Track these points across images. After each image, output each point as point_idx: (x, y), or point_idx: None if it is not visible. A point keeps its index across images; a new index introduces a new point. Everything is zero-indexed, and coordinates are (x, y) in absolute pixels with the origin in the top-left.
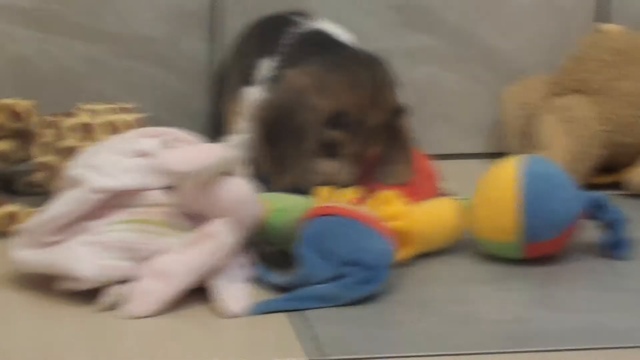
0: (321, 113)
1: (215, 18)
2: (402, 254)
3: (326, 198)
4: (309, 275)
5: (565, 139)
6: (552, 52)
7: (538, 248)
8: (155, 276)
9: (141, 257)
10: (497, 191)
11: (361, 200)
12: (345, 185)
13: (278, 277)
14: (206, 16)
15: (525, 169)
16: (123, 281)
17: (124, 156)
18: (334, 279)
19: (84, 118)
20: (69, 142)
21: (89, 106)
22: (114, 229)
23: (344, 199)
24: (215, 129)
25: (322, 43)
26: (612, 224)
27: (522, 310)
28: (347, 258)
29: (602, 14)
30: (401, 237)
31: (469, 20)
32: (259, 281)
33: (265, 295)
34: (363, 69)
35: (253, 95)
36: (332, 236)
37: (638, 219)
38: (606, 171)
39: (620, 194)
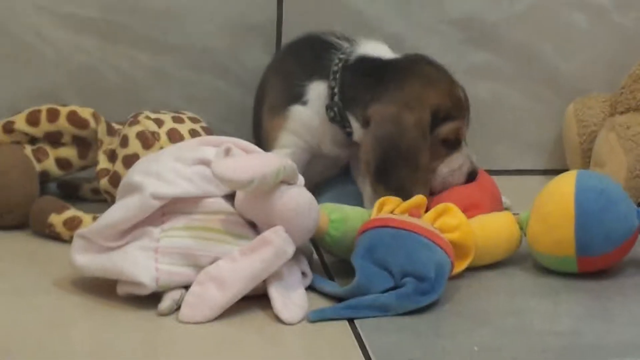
0: (423, 124)
1: (279, 30)
2: (459, 266)
3: (384, 210)
4: (365, 286)
5: (625, 156)
6: (613, 72)
7: (592, 262)
8: (212, 283)
9: (200, 263)
10: (552, 205)
11: (418, 212)
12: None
13: (335, 287)
14: (269, 29)
15: (580, 184)
16: (182, 287)
17: (184, 163)
18: (391, 289)
19: (149, 126)
20: (134, 149)
21: (153, 114)
22: (173, 235)
23: (402, 210)
24: (256, 140)
25: (376, 67)
26: None
27: (577, 323)
28: (404, 269)
29: None
30: (458, 249)
31: (531, 40)
32: (316, 290)
33: (323, 304)
34: (423, 65)
35: (304, 114)
36: (388, 247)
37: None
38: None
39: None
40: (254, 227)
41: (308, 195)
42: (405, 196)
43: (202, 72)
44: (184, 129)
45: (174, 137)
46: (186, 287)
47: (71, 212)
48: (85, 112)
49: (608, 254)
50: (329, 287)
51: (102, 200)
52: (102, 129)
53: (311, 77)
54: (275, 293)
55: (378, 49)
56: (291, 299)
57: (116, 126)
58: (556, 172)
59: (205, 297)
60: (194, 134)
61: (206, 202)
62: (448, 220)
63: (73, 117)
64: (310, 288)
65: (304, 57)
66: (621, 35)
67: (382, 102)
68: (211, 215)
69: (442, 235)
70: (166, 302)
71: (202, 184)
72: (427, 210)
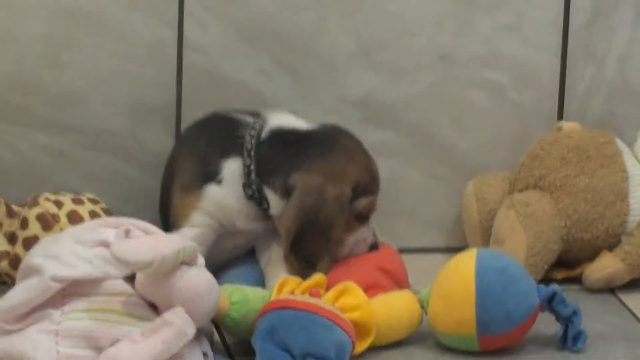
0: (343, 199)
1: (178, 111)
2: (360, 345)
3: (284, 290)
4: None
5: (524, 233)
6: (512, 150)
7: (493, 341)
8: None
9: (101, 345)
10: (453, 285)
11: (318, 292)
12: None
13: None
14: (169, 110)
15: (480, 263)
16: None
17: (84, 245)
18: None
19: (49, 208)
20: (34, 231)
21: (53, 196)
22: (73, 317)
23: (302, 291)
24: (163, 220)
25: (293, 139)
26: (568, 317)
27: None
28: (305, 350)
29: (564, 113)
30: (359, 328)
31: (430, 118)
32: None
33: None
34: (346, 139)
35: (218, 193)
36: (288, 329)
37: (594, 314)
38: (564, 266)
39: (578, 289)
40: (155, 309)
41: (208, 276)
42: (311, 265)
43: (102, 153)
44: (83, 210)
45: (74, 218)
46: None
47: None
48: None
49: (509, 332)
50: None
51: (2, 282)
52: (1, 211)
53: (224, 155)
54: None
55: (288, 120)
56: None
57: (16, 208)
58: (456, 249)
59: None
60: (93, 215)
61: (106, 283)
62: (349, 300)
63: None
64: None
65: (215, 136)
66: (519, 113)
67: (306, 171)
68: (112, 297)
69: (342, 315)
70: None
71: (102, 266)
72: (327, 289)
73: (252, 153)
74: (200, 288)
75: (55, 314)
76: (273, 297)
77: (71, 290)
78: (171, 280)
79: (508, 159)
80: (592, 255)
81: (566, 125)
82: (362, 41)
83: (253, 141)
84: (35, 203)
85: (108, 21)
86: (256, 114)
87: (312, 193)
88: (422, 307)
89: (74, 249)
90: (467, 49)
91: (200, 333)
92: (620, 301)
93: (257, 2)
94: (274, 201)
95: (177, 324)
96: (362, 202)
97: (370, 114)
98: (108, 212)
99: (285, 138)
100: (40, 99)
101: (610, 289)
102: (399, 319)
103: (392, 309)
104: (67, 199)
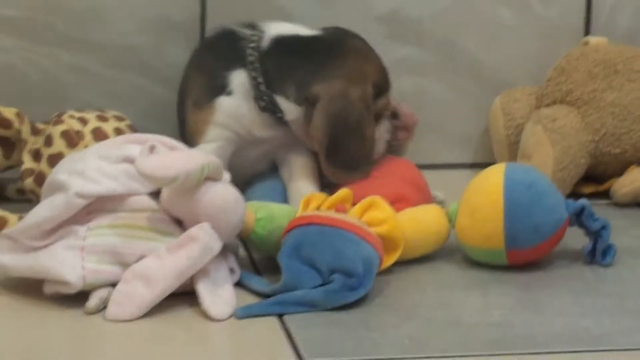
0: (367, 97)
1: (202, 28)
2: (388, 259)
3: (310, 207)
4: (293, 285)
5: (552, 148)
6: (538, 65)
7: (521, 255)
8: (139, 280)
9: (126, 261)
10: (481, 199)
11: (344, 207)
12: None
13: (263, 285)
14: (192, 26)
15: (508, 177)
16: (109, 285)
17: (109, 161)
18: (319, 286)
19: (73, 125)
20: (58, 148)
21: (78, 113)
22: (99, 233)
23: (328, 206)
24: (181, 138)
25: (297, 45)
26: (596, 231)
27: (507, 315)
28: (331, 266)
29: (591, 28)
30: (387, 242)
31: (455, 34)
32: (244, 286)
33: (251, 300)
34: (355, 40)
35: (231, 104)
36: (314, 245)
37: (623, 228)
38: (592, 181)
39: (606, 204)
40: (180, 224)
41: (234, 192)
42: (352, 171)
43: (126, 70)
44: (108, 127)
45: (99, 135)
46: (113, 285)
47: None
48: (9, 112)
49: (537, 246)
50: (256, 284)
51: (27, 200)
52: (26, 129)
53: (229, 67)
54: (202, 290)
55: (288, 28)
56: (219, 296)
57: (40, 126)
58: (483, 165)
59: (132, 295)
60: (118, 132)
61: (132, 199)
62: (375, 214)
63: None
64: (239, 284)
65: (219, 50)
66: (545, 29)
67: (326, 80)
68: (137, 213)
69: (369, 229)
70: (93, 301)
71: (127, 182)
72: (354, 204)
73: (257, 65)
74: (226, 203)
75: (81, 230)
76: (299, 214)
77: (96, 207)
78: (196, 195)
79: (535, 74)
80: (620, 170)
81: (593, 39)
82: None
83: (255, 53)
84: (59, 120)
85: None
86: (253, 25)
87: (337, 99)
88: (450, 221)
89: (99, 165)
90: None
91: (227, 249)
92: None
93: None
94: (289, 108)
95: (203, 239)
96: (380, 102)
97: (395, 29)
98: (133, 129)
99: (289, 45)
100: (63, 17)
101: (639, 203)
102: (427, 233)
103: (420, 223)
104: (91, 116)
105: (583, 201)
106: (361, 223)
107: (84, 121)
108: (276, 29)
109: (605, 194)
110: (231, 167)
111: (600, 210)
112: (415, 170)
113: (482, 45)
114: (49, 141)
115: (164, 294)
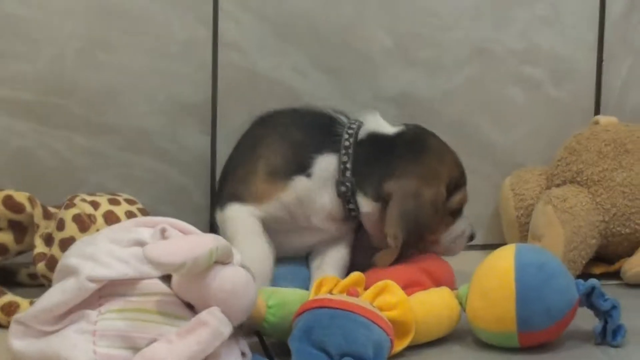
0: (439, 197)
1: (214, 110)
2: (400, 344)
3: (322, 290)
4: None
5: (562, 228)
6: (549, 145)
7: (533, 337)
8: None
9: (138, 345)
10: (492, 281)
11: (356, 291)
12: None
13: None
14: (205, 109)
15: (519, 258)
16: None
17: (120, 245)
18: None
19: (85, 208)
20: (70, 232)
21: (89, 197)
22: (110, 317)
23: (340, 290)
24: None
25: (385, 143)
26: (607, 311)
27: None
28: (342, 350)
29: (601, 108)
30: (398, 326)
31: (467, 114)
32: None
33: None
34: (432, 139)
35: (306, 186)
36: (325, 329)
37: (634, 309)
38: (602, 261)
39: (617, 284)
40: (192, 308)
41: (244, 275)
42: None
43: (139, 153)
44: (120, 210)
45: (110, 219)
46: None
47: (8, 297)
48: (21, 196)
49: (549, 328)
50: None
51: (39, 285)
52: (38, 213)
53: (318, 150)
54: None
55: (382, 123)
56: None
57: (52, 210)
58: (494, 246)
59: None
60: (130, 215)
61: (143, 283)
62: (387, 298)
63: (8, 202)
64: None
65: (310, 129)
66: (556, 108)
67: (400, 177)
68: (148, 297)
69: (381, 313)
70: None
71: (138, 266)
72: (366, 288)
73: (350, 151)
74: (236, 287)
75: (92, 314)
76: (311, 297)
77: (108, 291)
78: (206, 280)
79: (545, 155)
80: (631, 250)
81: (603, 119)
82: (398, 37)
83: (351, 140)
84: (71, 204)
85: (144, 19)
86: (347, 115)
87: (409, 198)
88: (461, 304)
89: (110, 249)
90: (504, 43)
91: (238, 332)
92: None
93: None
94: (364, 203)
95: (213, 324)
96: (455, 198)
97: (407, 110)
98: (145, 212)
99: (379, 141)
100: (77, 99)
101: None
102: (438, 316)
103: (431, 306)
104: (103, 200)
105: (593, 281)
106: (373, 307)
107: (95, 205)
108: (374, 122)
109: (616, 274)
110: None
111: (611, 291)
112: (439, 261)
113: (493, 125)
114: (60, 225)
115: None
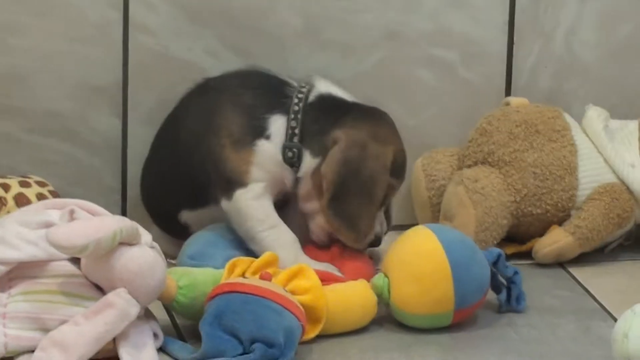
0: (386, 159)
1: (124, 92)
2: (311, 330)
3: (235, 272)
4: (211, 353)
5: (474, 209)
6: (461, 126)
7: (465, 313)
8: (55, 348)
9: (48, 327)
10: (424, 264)
11: (269, 275)
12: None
13: (187, 350)
14: (115, 91)
15: (442, 238)
16: (31, 351)
17: (29, 227)
18: (240, 355)
19: None
20: None
21: (0, 179)
22: (20, 299)
23: (254, 271)
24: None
25: (339, 106)
26: (510, 277)
27: None
28: (253, 335)
29: (512, 89)
30: (310, 311)
31: (378, 96)
32: (167, 352)
33: None
34: (388, 119)
35: (270, 148)
36: (236, 314)
37: (545, 288)
38: (514, 241)
39: (528, 264)
40: (101, 290)
41: (150, 255)
42: (352, 227)
43: (49, 136)
44: (31, 193)
45: (21, 201)
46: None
47: None
48: None
49: (478, 301)
50: (179, 350)
51: None
52: None
53: (270, 111)
54: (124, 354)
55: (336, 90)
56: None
57: None
58: (406, 227)
59: None
60: (41, 197)
61: (52, 265)
62: (301, 283)
63: None
64: (163, 350)
65: (259, 90)
66: (467, 90)
67: (351, 127)
68: (58, 279)
69: (293, 298)
70: None
71: (47, 248)
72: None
73: (299, 115)
74: (141, 268)
75: (2, 296)
76: (223, 280)
77: (17, 273)
78: (111, 261)
79: (457, 135)
80: (542, 230)
81: (514, 100)
82: (309, 19)
83: (301, 104)
84: None
85: (54, 3)
86: (301, 79)
87: (356, 146)
88: (381, 295)
89: (19, 231)
90: (414, 25)
91: (150, 314)
92: (571, 275)
93: None
94: (307, 162)
95: (120, 305)
96: (392, 182)
97: None
98: (56, 195)
99: (332, 104)
100: None
101: (560, 263)
102: (351, 304)
103: (344, 295)
104: (14, 182)
105: (497, 250)
106: (285, 292)
107: (6, 187)
108: (325, 87)
109: (527, 254)
110: None
111: (523, 270)
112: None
113: (404, 107)
114: None
115: None
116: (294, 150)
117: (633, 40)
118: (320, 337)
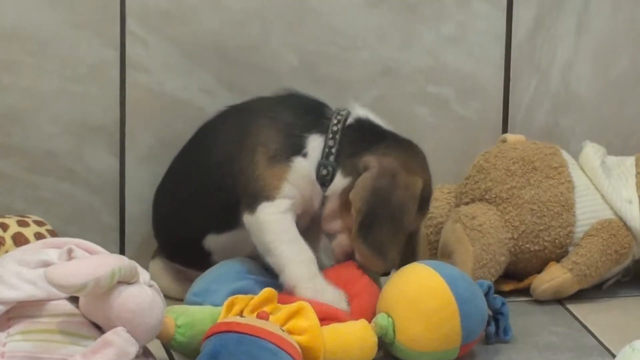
0: (415, 189)
1: (122, 131)
2: None
3: (233, 310)
4: None
5: (471, 246)
6: (458, 163)
7: (469, 346)
8: None
9: None
10: (431, 302)
11: (266, 314)
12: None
13: None
14: (113, 129)
15: (445, 274)
16: None
17: (28, 267)
18: None
19: None
20: None
21: None
22: (18, 339)
23: (252, 309)
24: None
25: (376, 132)
26: (498, 309)
27: None
28: None
29: (508, 126)
30: (306, 352)
31: None
32: None
33: None
34: (419, 151)
35: (305, 167)
36: (231, 355)
37: (543, 325)
38: (512, 278)
39: (526, 301)
40: (100, 329)
41: (148, 294)
42: (380, 255)
43: (46, 175)
44: (29, 232)
45: (20, 240)
46: None
47: None
48: None
49: (481, 334)
50: None
51: None
52: None
53: (309, 130)
54: None
55: (372, 115)
56: None
57: None
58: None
59: None
60: (39, 237)
61: (51, 304)
62: (299, 323)
63: None
64: None
65: (299, 110)
66: (464, 126)
67: (382, 155)
68: (56, 318)
69: (289, 338)
70: None
71: (46, 287)
72: None
73: (337, 136)
74: (140, 306)
75: (1, 336)
76: (221, 318)
77: (16, 312)
78: (109, 300)
79: (454, 172)
80: (540, 267)
81: (511, 137)
82: (305, 56)
83: (339, 126)
84: None
85: (50, 42)
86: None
87: (386, 175)
88: (386, 334)
89: (18, 270)
90: (410, 62)
91: (148, 352)
92: (569, 311)
93: (199, 19)
94: (337, 180)
95: (118, 344)
96: (419, 216)
97: None
98: (54, 234)
99: (369, 129)
100: None
101: (559, 299)
102: (349, 346)
103: (342, 336)
104: (12, 221)
105: (487, 281)
106: (281, 332)
107: (4, 226)
108: (363, 111)
109: (525, 291)
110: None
111: (521, 307)
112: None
113: None
114: None
115: None
116: (329, 168)
117: (628, 75)
118: None
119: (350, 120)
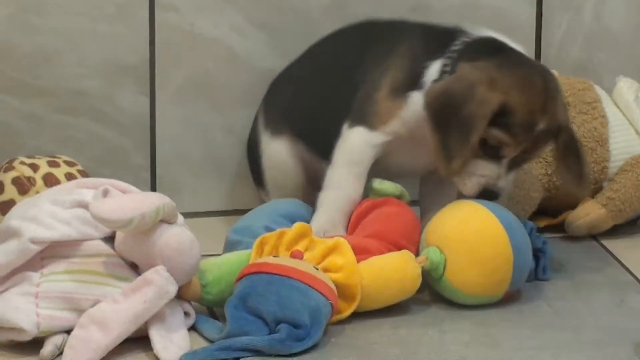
0: (488, 107)
1: (152, 71)
2: (346, 308)
3: (265, 250)
4: (236, 334)
5: None
6: None
7: (512, 292)
8: (95, 325)
9: (81, 307)
10: (488, 249)
11: (299, 253)
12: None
13: (217, 328)
14: (142, 70)
15: (503, 222)
16: (64, 331)
17: (62, 207)
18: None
19: (24, 171)
20: (9, 195)
21: (28, 159)
22: (53, 279)
23: (286, 247)
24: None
25: (498, 47)
26: (540, 248)
27: (463, 350)
28: (276, 316)
29: (542, 62)
30: (343, 289)
31: None
32: (197, 331)
33: (205, 344)
34: (537, 74)
35: (419, 99)
36: (261, 295)
37: (578, 261)
38: (546, 214)
39: (561, 237)
40: (135, 269)
41: (188, 234)
42: (445, 158)
43: (76, 115)
44: (60, 172)
45: (50, 181)
46: (68, 331)
47: None
48: None
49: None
50: (209, 329)
51: None
52: None
53: (432, 57)
54: (155, 334)
55: (501, 36)
56: (172, 340)
57: None
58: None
59: (88, 340)
60: (70, 177)
61: (85, 245)
62: (335, 260)
63: None
64: (194, 328)
65: (428, 38)
66: None
67: (475, 66)
68: (91, 258)
69: (322, 276)
70: (48, 347)
71: (80, 227)
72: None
73: (455, 55)
74: (181, 245)
75: (35, 276)
76: (252, 260)
77: (50, 252)
78: (152, 238)
79: None
80: (574, 203)
81: None
82: None
83: (462, 45)
84: (10, 167)
85: None
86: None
87: (463, 82)
88: (436, 270)
89: (52, 210)
90: None
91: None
92: (604, 247)
93: None
94: None
95: (159, 282)
96: (498, 133)
97: None
98: (84, 174)
99: (489, 44)
100: (12, 63)
101: (593, 235)
102: (389, 280)
103: (382, 271)
104: (42, 162)
105: (530, 222)
106: (314, 270)
107: (35, 167)
108: (490, 33)
109: (560, 227)
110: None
111: (555, 244)
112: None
113: None
114: (0, 188)
115: (120, 339)
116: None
117: None
118: (353, 312)
119: (470, 39)
